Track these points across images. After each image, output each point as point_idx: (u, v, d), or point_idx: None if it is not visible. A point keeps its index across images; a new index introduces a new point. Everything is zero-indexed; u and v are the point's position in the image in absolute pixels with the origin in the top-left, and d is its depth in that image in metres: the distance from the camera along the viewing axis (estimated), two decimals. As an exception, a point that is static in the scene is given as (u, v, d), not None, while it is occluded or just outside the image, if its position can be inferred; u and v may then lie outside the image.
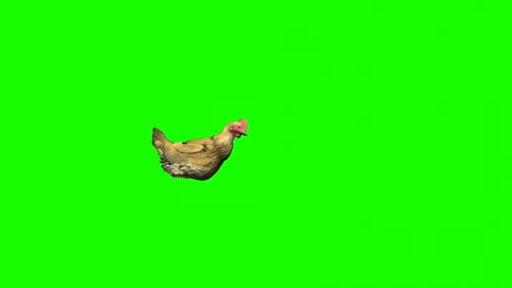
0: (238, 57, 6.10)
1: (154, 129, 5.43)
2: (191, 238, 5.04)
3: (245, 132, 5.30)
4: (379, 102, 6.03)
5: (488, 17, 6.24)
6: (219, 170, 5.47)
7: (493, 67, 6.13)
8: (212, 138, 5.38)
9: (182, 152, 5.35)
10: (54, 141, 5.68)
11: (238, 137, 5.34)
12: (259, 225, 5.18)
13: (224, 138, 5.33)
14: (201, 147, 5.32)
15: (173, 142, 5.44)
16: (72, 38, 6.05)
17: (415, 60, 6.17)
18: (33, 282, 4.62)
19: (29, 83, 5.92)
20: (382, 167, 5.65)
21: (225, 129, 5.35)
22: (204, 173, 5.34)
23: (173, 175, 5.39)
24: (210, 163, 5.33)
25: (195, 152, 5.32)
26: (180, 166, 5.35)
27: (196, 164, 5.33)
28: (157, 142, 5.40)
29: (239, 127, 5.31)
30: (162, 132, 5.45)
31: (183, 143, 5.40)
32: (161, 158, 5.43)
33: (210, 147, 5.33)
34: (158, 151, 5.42)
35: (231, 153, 5.40)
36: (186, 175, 5.37)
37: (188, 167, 5.34)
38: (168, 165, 5.39)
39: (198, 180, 5.44)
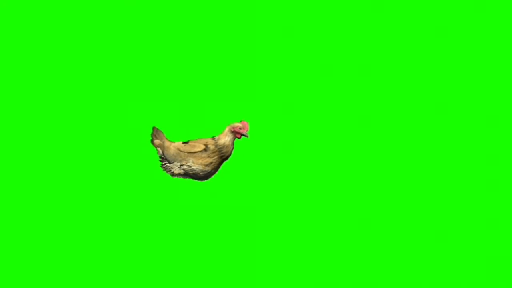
0: (239, 58, 6.13)
1: (154, 128, 5.44)
2: (190, 238, 5.06)
3: (246, 133, 5.36)
4: (379, 102, 6.03)
5: (488, 17, 6.23)
6: (218, 171, 5.50)
7: (493, 67, 6.13)
8: (213, 138, 5.41)
9: (183, 152, 5.37)
10: (52, 140, 5.68)
11: (239, 138, 5.39)
12: (258, 225, 5.20)
13: (225, 138, 5.37)
14: (203, 146, 5.34)
15: (173, 142, 5.47)
16: (72, 38, 6.04)
17: (414, 59, 6.17)
18: (31, 282, 4.63)
19: (29, 82, 5.90)
20: (382, 167, 5.66)
21: (226, 129, 5.39)
22: (205, 172, 5.37)
23: (173, 174, 5.40)
24: (211, 163, 5.36)
25: (196, 152, 5.35)
26: (181, 165, 5.37)
27: (197, 164, 5.36)
28: (157, 141, 5.41)
29: (240, 128, 5.36)
30: (162, 131, 5.46)
31: (184, 142, 5.42)
32: (160, 157, 5.44)
33: (211, 147, 5.36)
34: (157, 150, 5.43)
35: (231, 154, 5.44)
36: (186, 174, 5.39)
37: (189, 166, 5.36)
38: (168, 164, 5.40)
39: (197, 180, 5.47)
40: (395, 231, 5.20)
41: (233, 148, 5.40)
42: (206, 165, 5.36)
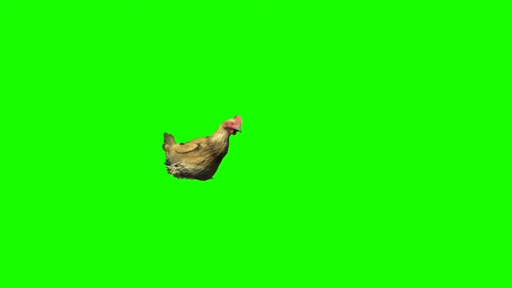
0: (240, 58, 6.09)
1: (165, 134, 5.47)
2: (188, 237, 4.95)
3: (239, 128, 5.19)
4: (376, 101, 5.97)
5: (488, 17, 6.18)
6: (217, 169, 5.39)
7: (493, 67, 6.06)
8: (207, 137, 5.33)
9: (179, 152, 5.32)
10: (53, 140, 5.77)
11: (233, 133, 5.25)
12: (257, 224, 5.05)
13: (218, 135, 5.26)
14: (195, 146, 5.28)
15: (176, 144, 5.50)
16: (73, 40, 6.17)
17: (412, 59, 6.13)
18: (34, 282, 4.64)
19: (35, 85, 6.08)
20: (378, 165, 5.59)
21: (220, 126, 5.29)
22: (198, 171, 5.28)
23: (175, 175, 5.37)
24: (203, 161, 5.25)
25: (189, 151, 5.28)
26: (175, 166, 5.33)
27: (190, 163, 5.28)
28: (165, 146, 5.44)
29: (232, 124, 5.22)
30: (172, 136, 5.47)
31: (181, 143, 5.39)
32: (166, 160, 5.44)
33: (203, 145, 5.27)
34: (166, 154, 5.45)
35: (227, 151, 5.30)
36: (182, 174, 5.33)
37: (182, 166, 5.29)
38: (168, 166, 5.40)
39: (199, 180, 5.38)
40: (392, 228, 5.02)
41: (227, 144, 5.27)
42: (198, 164, 5.28)
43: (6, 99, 5.97)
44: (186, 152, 5.28)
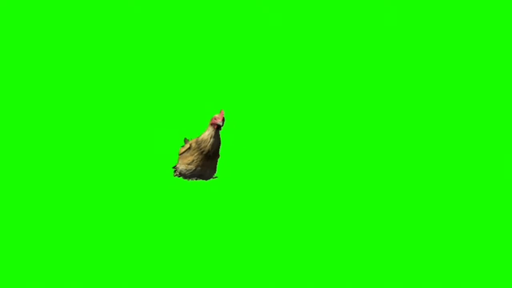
0: (241, 59, 6.12)
1: (185, 139, 5.58)
2: (188, 237, 5.03)
3: (220, 122, 5.20)
4: (373, 100, 5.93)
5: (488, 17, 6.12)
6: (215, 168, 5.41)
7: (493, 67, 6.00)
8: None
9: (179, 155, 5.43)
10: (52, 140, 5.87)
11: (217, 128, 5.25)
12: (257, 224, 5.07)
13: (205, 133, 5.30)
14: (188, 146, 5.34)
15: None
16: (71, 41, 6.36)
17: (409, 58, 6.12)
18: (37, 282, 4.92)
19: (34, 86, 6.25)
20: (375, 164, 5.54)
21: (209, 124, 5.34)
22: (190, 171, 5.33)
23: (179, 176, 5.47)
24: (193, 160, 5.31)
25: (183, 153, 5.37)
26: (173, 168, 5.45)
27: (182, 164, 5.36)
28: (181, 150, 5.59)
29: (216, 119, 5.24)
30: (188, 140, 5.58)
31: (183, 146, 5.49)
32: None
33: (193, 145, 5.33)
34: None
35: (215, 148, 5.30)
36: (181, 175, 5.41)
37: (177, 167, 5.38)
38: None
39: (203, 180, 5.45)
40: (389, 225, 5.01)
41: (213, 141, 5.27)
42: (189, 164, 5.34)
43: (9, 100, 6.13)
44: (182, 154, 5.36)
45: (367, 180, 5.41)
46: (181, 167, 5.36)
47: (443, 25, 6.21)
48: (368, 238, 4.89)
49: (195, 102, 6.07)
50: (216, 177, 5.46)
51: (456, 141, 5.70)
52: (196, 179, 5.42)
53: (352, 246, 4.83)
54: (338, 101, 5.95)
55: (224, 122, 5.29)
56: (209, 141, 5.26)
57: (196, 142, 5.30)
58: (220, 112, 5.25)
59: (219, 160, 5.55)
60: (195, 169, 5.33)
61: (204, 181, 5.45)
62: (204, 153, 5.28)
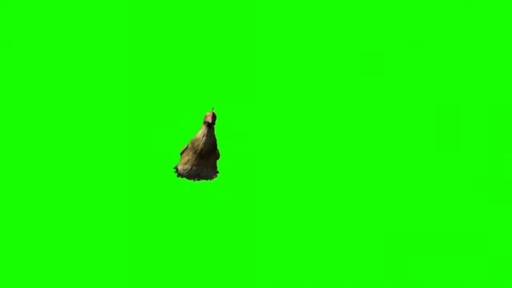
0: (243, 59, 6.17)
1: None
2: (187, 237, 5.11)
3: (209, 120, 5.25)
4: (373, 100, 5.93)
5: (488, 17, 6.15)
6: (214, 167, 5.45)
7: (493, 67, 6.00)
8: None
9: (180, 155, 5.51)
10: (52, 140, 5.84)
11: (208, 126, 5.29)
12: (256, 224, 5.14)
13: (198, 132, 5.33)
14: (186, 146, 5.40)
15: None
16: (69, 42, 6.39)
17: (407, 58, 6.15)
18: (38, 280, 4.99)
19: (40, 87, 6.22)
20: (375, 164, 5.54)
21: None
22: (186, 171, 5.37)
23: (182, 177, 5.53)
24: (188, 160, 5.35)
25: (182, 153, 5.43)
26: (175, 169, 5.50)
27: (180, 164, 5.41)
28: None
29: (206, 117, 5.30)
30: None
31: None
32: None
33: (189, 145, 5.38)
34: None
35: (208, 146, 5.33)
36: (181, 175, 5.45)
37: (177, 168, 5.44)
38: None
39: (206, 180, 5.50)
40: (388, 225, 5.07)
41: (206, 140, 5.31)
42: (185, 164, 5.38)
43: (9, 100, 6.11)
44: (181, 154, 5.43)
45: (367, 180, 5.42)
46: (179, 167, 5.41)
47: (443, 25, 6.21)
48: (368, 237, 4.95)
49: (198, 103, 6.06)
50: (215, 177, 5.49)
51: (455, 141, 5.67)
52: (197, 180, 5.46)
53: (352, 245, 4.90)
54: (338, 101, 5.96)
55: (216, 119, 5.30)
56: (202, 140, 5.30)
57: (191, 142, 5.36)
58: (211, 110, 5.34)
59: (219, 160, 5.58)
60: (191, 169, 5.37)
61: (205, 181, 5.48)
62: (198, 152, 5.32)
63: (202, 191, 5.38)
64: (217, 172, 5.47)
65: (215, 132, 5.67)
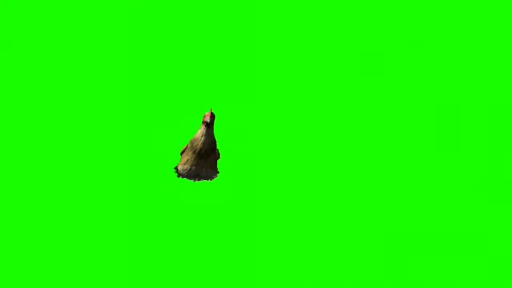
0: (245, 61, 6.20)
1: None
2: (187, 237, 5.12)
3: (207, 119, 5.28)
4: (373, 99, 5.95)
5: (488, 17, 6.17)
6: (214, 167, 5.46)
7: (493, 67, 6.02)
8: None
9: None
10: (54, 144, 5.85)
11: (206, 126, 5.32)
12: (256, 224, 5.16)
13: (197, 132, 5.35)
14: (186, 146, 5.43)
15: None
16: (71, 43, 6.42)
17: (406, 58, 6.15)
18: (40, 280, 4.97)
19: (40, 88, 6.24)
20: (376, 164, 5.56)
21: None
22: (186, 170, 5.39)
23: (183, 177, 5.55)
24: (188, 160, 5.36)
25: (182, 154, 5.45)
26: (175, 169, 5.52)
27: (180, 164, 5.42)
28: None
29: (204, 117, 5.33)
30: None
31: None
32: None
33: (188, 145, 5.40)
34: None
35: (210, 147, 5.35)
36: (180, 176, 5.46)
37: (177, 168, 5.45)
38: None
39: (207, 180, 5.51)
40: (387, 225, 5.08)
41: (205, 140, 5.33)
42: (184, 164, 5.39)
43: (10, 100, 6.12)
44: (181, 154, 5.45)
45: (366, 179, 5.43)
46: (179, 167, 5.43)
47: (443, 25, 6.22)
48: (367, 236, 4.96)
49: (199, 103, 6.08)
50: (215, 176, 5.50)
51: (455, 141, 5.68)
52: (197, 180, 5.47)
53: (351, 244, 4.91)
54: (337, 100, 5.97)
55: (214, 119, 5.32)
56: (201, 140, 5.32)
57: (190, 142, 5.38)
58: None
59: (219, 160, 5.60)
60: (190, 169, 5.38)
61: (205, 181, 5.49)
62: (197, 151, 5.34)
63: (202, 191, 5.39)
64: (218, 172, 5.48)
65: (216, 132, 5.72)
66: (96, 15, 6.62)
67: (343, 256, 4.83)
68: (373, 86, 6.07)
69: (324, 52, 6.19)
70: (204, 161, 5.38)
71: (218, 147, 5.66)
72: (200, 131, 5.33)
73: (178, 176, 5.44)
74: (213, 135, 5.35)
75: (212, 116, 5.31)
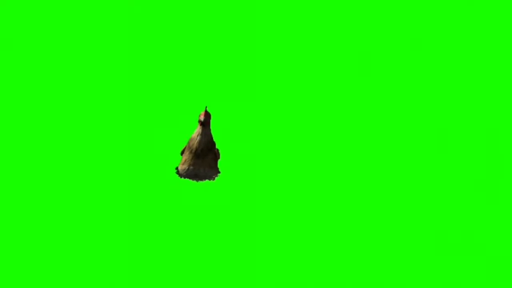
0: (245, 60, 6.21)
1: None
2: (187, 237, 5.11)
3: (201, 118, 5.29)
4: (370, 99, 5.95)
5: (488, 17, 6.17)
6: (214, 167, 5.45)
7: (493, 67, 6.01)
8: None
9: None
10: (55, 144, 5.84)
11: (201, 125, 5.32)
12: (256, 224, 5.14)
13: (194, 132, 5.36)
14: (184, 147, 5.45)
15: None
16: (70, 43, 6.49)
17: (405, 58, 6.15)
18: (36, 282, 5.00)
19: (40, 88, 6.27)
20: (376, 164, 5.54)
21: None
22: (184, 170, 5.40)
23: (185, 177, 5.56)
24: (186, 160, 5.38)
25: (182, 154, 5.47)
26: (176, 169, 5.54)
27: (180, 165, 5.44)
28: None
29: (200, 116, 5.34)
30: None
31: None
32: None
33: (187, 145, 5.41)
34: None
35: (207, 146, 5.34)
36: (180, 176, 5.47)
37: (177, 169, 5.46)
38: None
39: (208, 180, 5.51)
40: (387, 225, 5.05)
41: (201, 139, 5.33)
42: (183, 164, 5.41)
43: (10, 101, 6.15)
44: (181, 155, 5.48)
45: (366, 179, 5.39)
46: (179, 167, 5.45)
47: (443, 25, 6.21)
48: (367, 237, 4.93)
49: (199, 103, 6.09)
50: (215, 176, 5.49)
51: (455, 141, 5.63)
52: (197, 180, 5.47)
53: (352, 244, 4.89)
54: (337, 99, 5.95)
55: (210, 118, 5.31)
56: (197, 139, 5.33)
57: (188, 142, 5.39)
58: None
59: (219, 160, 5.59)
60: (188, 169, 5.39)
61: (206, 181, 5.48)
62: (193, 151, 5.35)
63: (202, 191, 5.39)
64: (219, 172, 5.47)
65: (217, 132, 5.75)
66: (95, 15, 6.70)
67: (346, 256, 4.80)
68: (373, 85, 6.06)
69: (324, 50, 6.19)
70: (201, 160, 5.38)
71: (219, 146, 5.68)
72: (197, 130, 5.34)
73: (180, 176, 5.46)
74: (210, 135, 5.36)
75: (207, 115, 5.32)
